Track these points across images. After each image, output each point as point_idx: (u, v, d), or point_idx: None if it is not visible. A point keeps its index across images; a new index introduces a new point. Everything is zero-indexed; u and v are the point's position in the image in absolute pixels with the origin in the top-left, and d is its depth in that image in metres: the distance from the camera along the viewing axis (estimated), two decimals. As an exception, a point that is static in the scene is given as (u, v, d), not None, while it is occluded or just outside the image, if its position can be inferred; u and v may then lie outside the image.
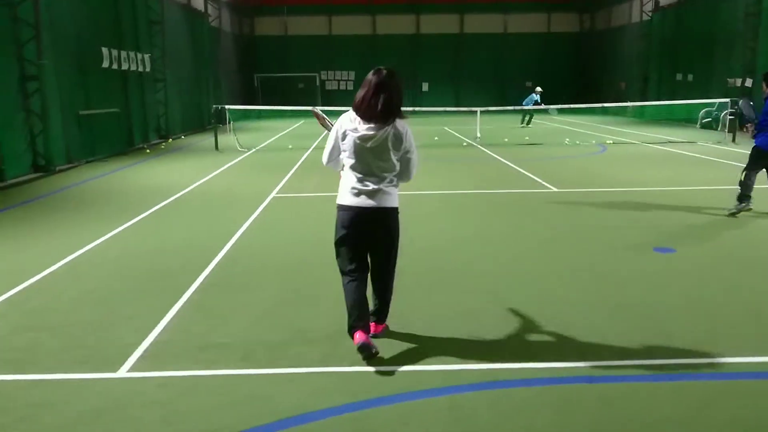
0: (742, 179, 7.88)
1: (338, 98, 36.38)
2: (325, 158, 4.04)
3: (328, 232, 6.24)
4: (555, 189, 10.01)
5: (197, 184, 10.86)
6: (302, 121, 28.57)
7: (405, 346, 4.05)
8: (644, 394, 3.39)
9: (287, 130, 23.60)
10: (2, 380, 3.67)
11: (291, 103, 32.23)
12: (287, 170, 12.48)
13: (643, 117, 27.67)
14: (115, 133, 16.08)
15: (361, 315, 3.86)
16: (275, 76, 36.15)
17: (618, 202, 8.88)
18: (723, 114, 19.19)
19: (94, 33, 15.20)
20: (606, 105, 22.60)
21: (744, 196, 7.88)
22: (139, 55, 17.79)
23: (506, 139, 18.37)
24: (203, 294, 5.15)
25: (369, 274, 4.03)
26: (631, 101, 27.48)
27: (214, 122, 17.70)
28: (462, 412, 3.23)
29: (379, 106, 3.70)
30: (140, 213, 8.43)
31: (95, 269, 5.88)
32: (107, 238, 7.05)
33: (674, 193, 9.54)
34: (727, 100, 18.12)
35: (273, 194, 9.82)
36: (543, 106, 23.00)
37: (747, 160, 8.00)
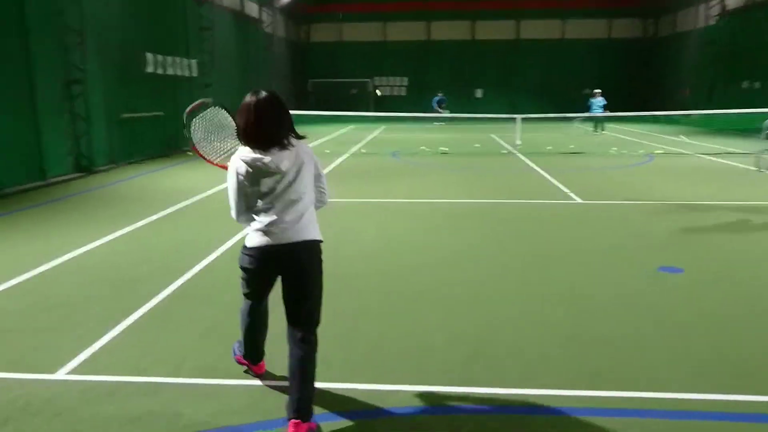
0: None
1: (391, 104, 36.44)
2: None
3: (330, 240, 6.11)
4: (579, 200, 9.54)
5: (220, 188, 11.01)
6: (351, 126, 28.70)
7: (340, 362, 3.88)
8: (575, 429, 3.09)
9: (332, 136, 23.73)
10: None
11: (344, 108, 32.56)
12: (313, 175, 12.46)
13: (709, 126, 26.23)
14: (157, 135, 16.57)
15: None
16: (328, 82, 36.56)
17: (638, 215, 8.36)
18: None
19: (141, 39, 15.74)
20: (656, 114, 21.61)
21: None
22: (185, 61, 18.29)
23: (549, 148, 17.78)
24: (168, 302, 5.12)
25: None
26: (694, 110, 26.14)
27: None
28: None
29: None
30: (152, 215, 8.59)
31: (74, 274, 5.97)
32: (106, 241, 7.19)
33: (707, 208, 8.89)
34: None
35: (288, 199, 9.80)
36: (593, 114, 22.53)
37: None
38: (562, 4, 36.07)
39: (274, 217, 3.13)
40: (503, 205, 9.26)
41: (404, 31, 37.01)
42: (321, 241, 3.28)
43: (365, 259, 6.29)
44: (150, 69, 16.07)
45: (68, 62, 12.78)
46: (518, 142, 17.98)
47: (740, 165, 13.79)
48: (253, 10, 27.34)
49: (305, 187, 3.19)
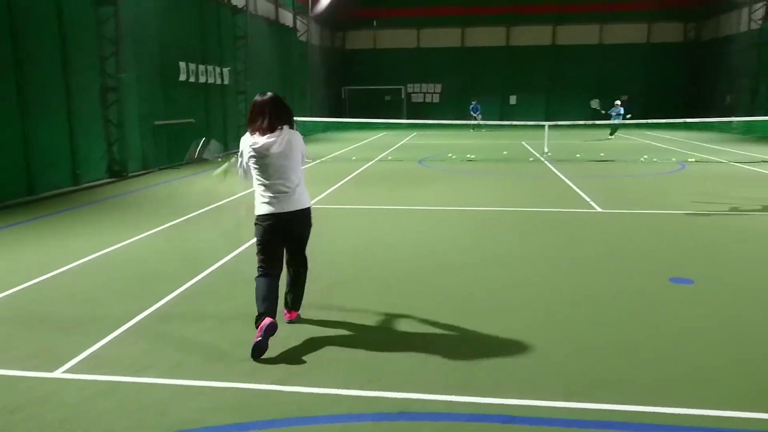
0: None
1: (424, 111, 36.51)
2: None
3: (342, 244, 6.26)
4: (599, 209, 9.42)
5: (244, 193, 11.26)
6: (383, 133, 28.86)
7: (328, 366, 3.97)
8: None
9: (364, 141, 23.92)
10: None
11: (379, 115, 32.80)
12: (337, 181, 12.65)
13: (750, 133, 25.46)
14: (190, 142, 16.92)
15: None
16: (363, 89, 36.86)
17: (657, 225, 8.21)
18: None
19: (176, 48, 16.23)
20: (689, 120, 21.16)
21: None
22: (218, 69, 18.74)
23: (578, 155, 17.55)
24: (179, 300, 5.30)
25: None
26: (736, 116, 25.39)
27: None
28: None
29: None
30: (177, 218, 8.86)
31: (102, 271, 6.23)
32: (131, 241, 7.46)
33: (732, 218, 8.68)
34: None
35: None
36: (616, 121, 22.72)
37: None
38: (600, 8, 35.54)
39: (271, 191, 4.25)
40: (519, 213, 9.22)
41: (438, 38, 37.02)
42: (308, 208, 4.44)
43: (368, 263, 6.38)
44: (183, 77, 16.52)
45: (104, 71, 13.30)
46: (546, 149, 17.81)
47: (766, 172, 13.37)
48: (287, 18, 27.81)
49: (295, 165, 4.30)
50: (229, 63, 19.85)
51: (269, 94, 4.34)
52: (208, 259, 6.60)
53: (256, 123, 4.25)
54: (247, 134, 4.34)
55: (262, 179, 4.27)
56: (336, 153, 19.23)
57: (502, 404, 3.47)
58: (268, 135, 4.22)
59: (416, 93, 37.64)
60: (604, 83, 35.40)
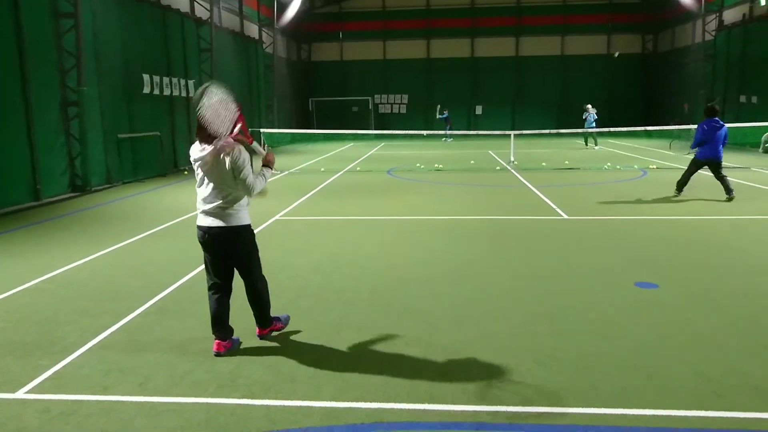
0: None
1: (391, 121, 36.75)
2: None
3: (309, 256, 6.24)
4: (565, 216, 9.58)
5: (212, 205, 11.12)
6: (351, 144, 28.89)
7: (297, 379, 3.93)
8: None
9: (331, 153, 23.90)
10: None
11: (346, 126, 32.84)
12: (306, 192, 12.60)
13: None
14: (155, 155, 16.74)
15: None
16: (330, 100, 36.91)
17: (622, 231, 8.38)
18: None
19: (139, 60, 16.00)
20: (649, 129, 21.89)
21: None
22: (183, 81, 18.54)
23: (544, 164, 17.84)
24: (143, 318, 5.20)
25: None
26: (692, 124, 26.13)
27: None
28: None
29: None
30: (141, 233, 8.70)
31: (62, 288, 6.07)
32: (93, 258, 7.29)
33: (692, 222, 8.92)
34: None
35: (276, 217, 9.90)
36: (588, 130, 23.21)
37: None
38: (561, 21, 36.34)
39: (198, 203, 4.22)
40: (488, 222, 9.31)
41: (404, 50, 37.34)
42: (235, 227, 4.18)
43: (340, 275, 6.36)
44: (147, 90, 16.29)
45: (65, 84, 13.03)
46: (512, 158, 18.06)
47: (733, 179, 13.78)
48: (253, 30, 27.71)
49: (215, 183, 4.07)
50: (194, 75, 19.65)
51: (212, 98, 4.06)
52: (172, 274, 6.49)
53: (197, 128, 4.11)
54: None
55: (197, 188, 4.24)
56: (304, 165, 19.16)
57: (473, 411, 3.48)
58: (201, 144, 4.10)
59: (383, 104, 37.85)
60: (567, 93, 36.16)
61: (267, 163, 4.45)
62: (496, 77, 36.89)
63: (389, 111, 37.78)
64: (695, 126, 11.67)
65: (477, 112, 37.22)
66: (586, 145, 24.35)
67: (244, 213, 4.24)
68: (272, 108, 29.33)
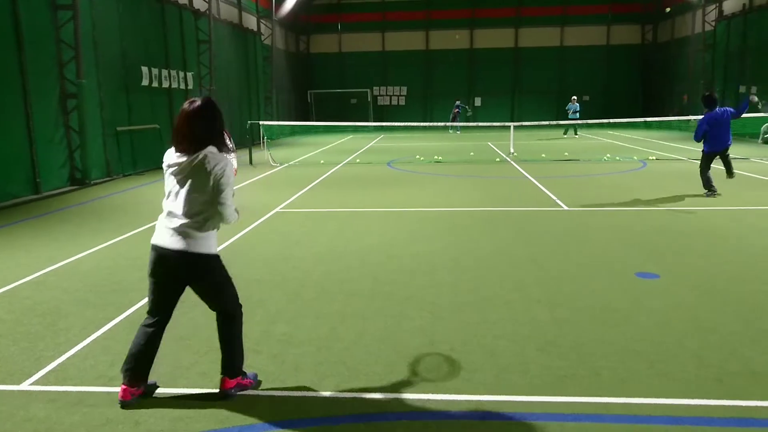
0: None
1: (390, 113, 36.67)
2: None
3: (310, 248, 6.25)
4: (566, 208, 9.59)
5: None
6: (350, 136, 28.86)
7: (301, 369, 3.95)
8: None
9: (331, 145, 23.87)
10: None
11: (345, 118, 32.76)
12: (306, 184, 12.60)
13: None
14: (155, 148, 16.70)
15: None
16: (328, 92, 36.82)
17: (622, 222, 8.40)
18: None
19: (137, 53, 15.94)
20: (649, 120, 21.93)
21: None
22: (182, 73, 18.48)
23: (544, 155, 17.84)
24: (144, 310, 5.19)
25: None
26: (692, 115, 26.15)
27: (249, 138, 18.09)
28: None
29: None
30: (141, 225, 8.70)
31: (64, 281, 6.08)
32: (94, 250, 7.30)
33: (691, 213, 8.93)
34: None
35: (277, 209, 9.91)
36: (576, 121, 23.80)
37: None
38: (560, 12, 36.22)
39: (161, 217, 3.49)
40: (488, 213, 9.32)
41: (403, 41, 37.22)
42: (204, 254, 3.42)
43: (342, 265, 6.37)
44: (146, 82, 16.25)
45: (63, 76, 12.99)
46: (512, 150, 18.05)
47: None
48: (251, 22, 27.60)
49: (189, 198, 3.38)
50: (192, 67, 19.60)
51: (197, 102, 3.39)
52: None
53: (173, 134, 3.43)
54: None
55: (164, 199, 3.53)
56: (303, 157, 19.15)
57: (477, 401, 3.50)
58: (178, 153, 3.38)
59: (382, 96, 37.77)
60: (566, 84, 36.06)
61: None
62: (495, 69, 36.80)
63: (388, 103, 37.71)
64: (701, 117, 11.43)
65: (476, 104, 37.14)
66: (565, 134, 25.62)
67: (213, 241, 3.50)
68: (271, 100, 29.27)
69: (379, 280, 5.93)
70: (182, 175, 3.37)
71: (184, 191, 3.38)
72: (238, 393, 3.63)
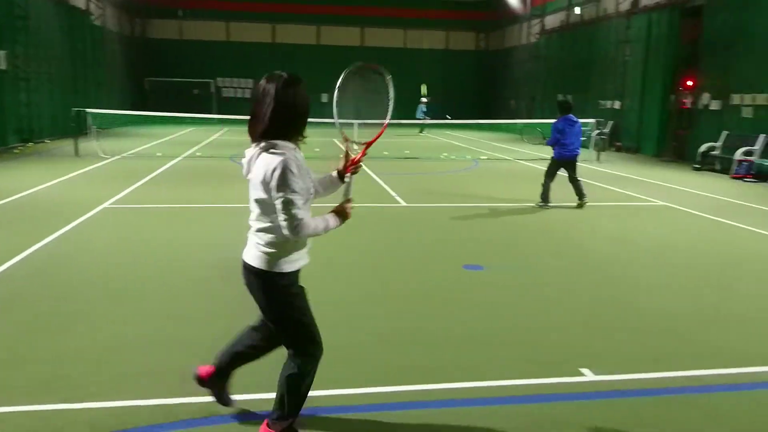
0: None
1: (235, 106, 35.61)
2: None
3: (139, 246, 5.81)
4: (403, 204, 10.03)
5: (28, 192, 10.04)
6: (191, 129, 27.63)
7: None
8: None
9: (169, 137, 22.68)
10: None
11: (186, 109, 31.19)
12: (139, 179, 11.85)
13: (529, 134, 28.72)
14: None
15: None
16: (168, 81, 34.86)
17: (454, 218, 8.98)
18: (593, 134, 20.18)
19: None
20: (480, 122, 23.86)
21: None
22: (-7, 52, 16.48)
23: (386, 153, 18.45)
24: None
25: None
26: (519, 119, 28.54)
27: (74, 127, 16.52)
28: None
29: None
30: (-62, 224, 7.64)
31: None
32: None
33: (515, 210, 9.78)
34: (595, 120, 19.08)
35: (105, 204, 9.22)
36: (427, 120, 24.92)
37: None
38: (402, 14, 37.58)
39: None
40: (328, 209, 9.43)
41: (249, 33, 36.34)
42: (262, 270, 2.99)
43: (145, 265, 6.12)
44: (-53, 59, 14.25)
45: None
46: (356, 147, 18.37)
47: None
48: (79, 0, 25.28)
49: (252, 203, 2.97)
50: (6, 45, 17.51)
51: (281, 75, 2.88)
52: (-20, 268, 5.81)
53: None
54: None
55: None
56: (138, 149, 17.97)
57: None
58: (252, 146, 2.99)
59: (227, 87, 36.58)
60: (408, 85, 37.46)
61: (339, 212, 3.22)
62: (341, 66, 36.90)
63: (233, 95, 36.61)
64: (538, 121, 12.21)
65: (323, 100, 37.34)
66: (420, 132, 27.47)
67: (279, 258, 2.98)
68: (102, 86, 27.07)
69: (199, 281, 5.78)
70: (247, 174, 3.09)
71: (251, 193, 3.07)
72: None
